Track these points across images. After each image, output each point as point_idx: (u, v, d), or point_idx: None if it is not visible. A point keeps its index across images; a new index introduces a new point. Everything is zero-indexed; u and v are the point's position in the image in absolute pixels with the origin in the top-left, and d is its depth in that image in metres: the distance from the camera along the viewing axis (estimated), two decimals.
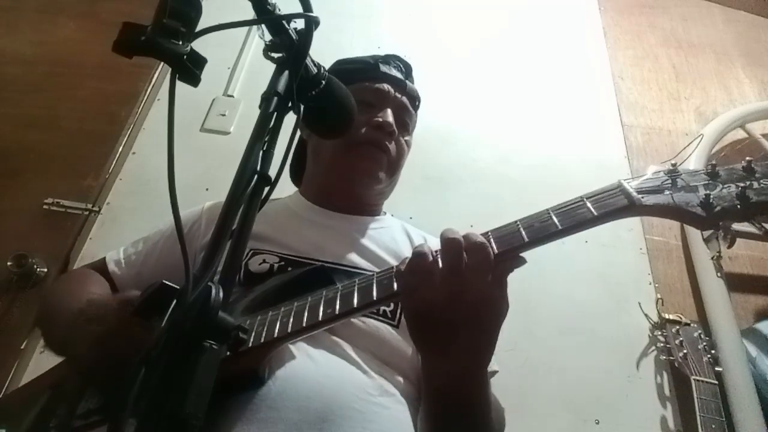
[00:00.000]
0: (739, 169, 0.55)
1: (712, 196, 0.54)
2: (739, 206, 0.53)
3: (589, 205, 0.56)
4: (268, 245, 0.84)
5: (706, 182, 0.56)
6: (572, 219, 0.56)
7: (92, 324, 0.66)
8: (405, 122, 1.00)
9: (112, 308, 0.66)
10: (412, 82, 1.04)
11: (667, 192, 0.56)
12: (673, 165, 0.59)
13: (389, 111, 0.96)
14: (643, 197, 0.56)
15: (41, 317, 0.85)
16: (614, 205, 0.56)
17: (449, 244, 0.55)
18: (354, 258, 0.84)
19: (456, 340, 0.55)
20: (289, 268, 0.79)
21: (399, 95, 0.99)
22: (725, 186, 0.54)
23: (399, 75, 1.01)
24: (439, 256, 0.56)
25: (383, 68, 1.00)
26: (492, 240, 0.57)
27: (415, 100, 1.03)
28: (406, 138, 1.01)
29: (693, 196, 0.55)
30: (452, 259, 0.54)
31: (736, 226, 0.55)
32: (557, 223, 0.56)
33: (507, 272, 0.56)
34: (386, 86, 0.98)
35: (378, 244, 0.89)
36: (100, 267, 0.93)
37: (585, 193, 0.58)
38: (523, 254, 0.56)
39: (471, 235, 0.55)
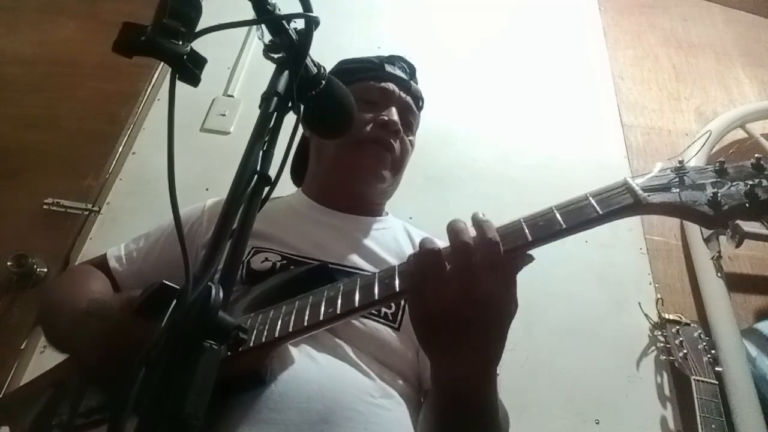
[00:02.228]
0: (748, 167, 0.54)
1: (720, 195, 0.52)
2: (747, 205, 0.51)
3: (594, 203, 0.55)
4: (270, 243, 0.84)
5: (714, 180, 0.54)
6: (576, 217, 0.55)
7: (96, 323, 0.66)
8: (409, 122, 1.00)
9: (114, 307, 0.66)
10: (416, 83, 1.04)
11: (674, 190, 0.55)
12: (680, 162, 0.57)
13: (394, 110, 0.95)
14: (649, 195, 0.54)
15: (43, 315, 0.85)
16: (619, 204, 0.54)
17: (459, 240, 0.53)
18: (356, 259, 0.84)
19: (465, 340, 0.53)
20: (291, 267, 0.79)
21: (404, 95, 0.99)
22: (734, 184, 0.53)
23: (404, 75, 1.01)
24: (447, 253, 0.54)
25: (388, 68, 1.00)
26: None
27: (419, 100, 1.03)
28: (410, 138, 1.01)
29: (700, 194, 0.53)
30: (463, 256, 0.52)
31: (743, 225, 0.54)
32: (561, 222, 0.55)
33: (515, 270, 0.55)
34: (391, 86, 0.98)
35: (380, 245, 0.89)
36: (101, 263, 0.93)
37: (590, 191, 0.57)
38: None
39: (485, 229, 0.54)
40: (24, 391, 0.83)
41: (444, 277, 0.53)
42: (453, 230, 0.54)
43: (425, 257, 0.54)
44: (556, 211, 0.56)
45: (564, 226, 0.54)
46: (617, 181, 0.57)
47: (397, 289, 0.58)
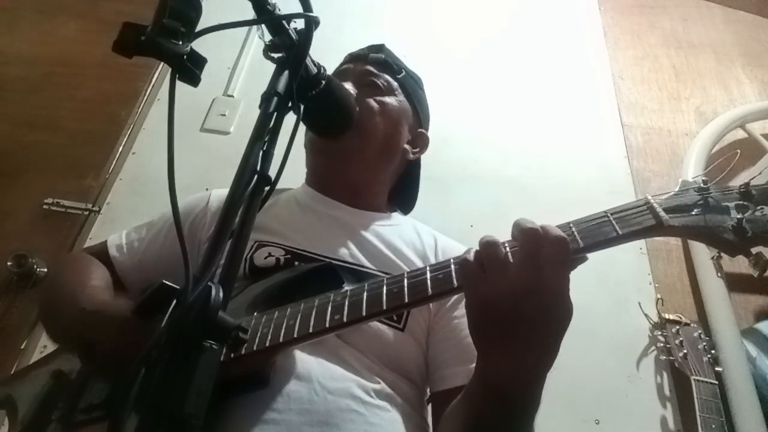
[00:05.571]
0: None
1: (744, 220, 0.50)
2: None
3: (613, 222, 0.54)
4: (273, 237, 0.83)
5: (739, 203, 0.52)
6: (594, 237, 0.54)
7: (95, 322, 0.66)
8: (372, 83, 0.97)
9: (113, 306, 0.66)
10: (384, 54, 1.01)
11: (696, 212, 0.53)
12: (705, 182, 0.55)
13: (349, 83, 0.93)
14: (671, 217, 0.52)
15: (43, 309, 0.85)
16: (640, 224, 0.53)
17: (529, 233, 0.51)
18: (359, 256, 0.84)
19: (524, 338, 0.51)
20: (296, 263, 0.79)
21: (361, 66, 0.99)
22: (758, 208, 0.51)
23: (362, 52, 1.02)
24: (508, 247, 0.53)
25: (350, 55, 1.02)
26: None
27: (382, 65, 1.00)
28: (382, 98, 0.96)
29: (725, 218, 0.51)
30: (532, 249, 0.50)
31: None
32: (579, 240, 0.53)
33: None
34: (348, 65, 1.00)
35: (384, 243, 0.87)
36: (101, 251, 0.91)
37: (609, 208, 0.55)
38: None
39: (550, 228, 0.52)
40: (23, 376, 0.82)
41: (508, 270, 0.51)
42: (521, 223, 0.52)
43: (486, 249, 0.53)
44: (573, 229, 0.55)
45: (581, 246, 0.53)
46: (638, 200, 0.56)
47: (406, 300, 0.58)
